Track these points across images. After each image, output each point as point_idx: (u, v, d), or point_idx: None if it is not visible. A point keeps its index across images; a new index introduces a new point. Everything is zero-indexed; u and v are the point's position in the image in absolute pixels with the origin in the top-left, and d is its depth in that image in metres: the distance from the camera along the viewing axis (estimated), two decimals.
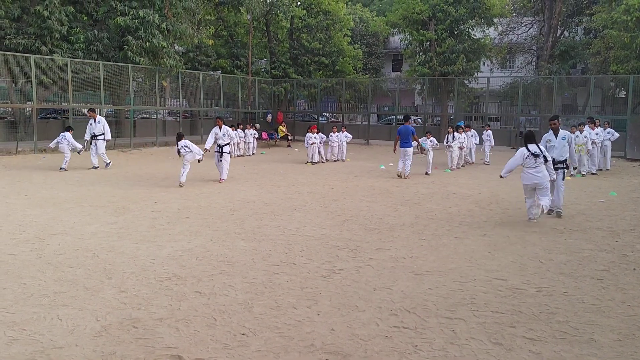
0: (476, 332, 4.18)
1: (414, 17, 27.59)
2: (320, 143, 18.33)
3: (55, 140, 14.98)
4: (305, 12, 29.90)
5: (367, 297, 4.91)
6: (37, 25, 18.95)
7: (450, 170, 16.14)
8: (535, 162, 8.21)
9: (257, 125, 23.77)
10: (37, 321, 4.28)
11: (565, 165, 9.20)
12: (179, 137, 12.18)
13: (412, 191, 11.68)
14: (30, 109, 19.76)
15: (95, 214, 8.58)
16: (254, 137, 21.35)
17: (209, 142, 12.82)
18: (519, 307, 4.70)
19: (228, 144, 13.02)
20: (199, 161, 12.46)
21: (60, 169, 14.45)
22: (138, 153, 20.03)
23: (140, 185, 11.82)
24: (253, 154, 21.08)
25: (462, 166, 17.31)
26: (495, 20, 28.72)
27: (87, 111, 15.71)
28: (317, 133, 18.26)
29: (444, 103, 29.25)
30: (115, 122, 23.68)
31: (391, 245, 6.87)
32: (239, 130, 19.59)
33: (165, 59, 21.48)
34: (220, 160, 12.83)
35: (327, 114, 35.52)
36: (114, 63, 20.68)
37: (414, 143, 14.61)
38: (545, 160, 8.27)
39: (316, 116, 31.36)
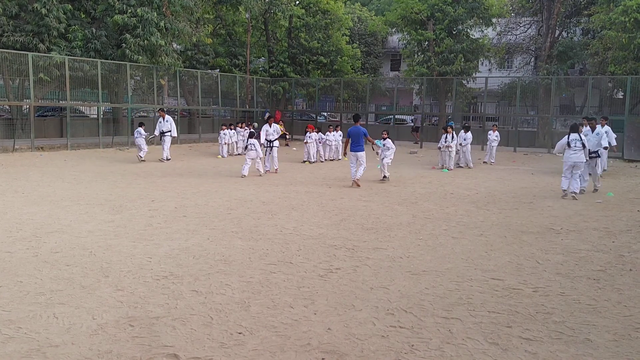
0: (473, 331, 4.18)
1: (412, 16, 27.59)
2: (320, 142, 18.41)
3: (142, 133, 16.88)
4: (303, 11, 29.90)
5: (364, 297, 4.92)
6: (35, 22, 18.91)
7: (448, 170, 16.16)
8: (575, 146, 10.77)
9: (255, 124, 23.74)
10: (34, 319, 4.27)
11: (597, 155, 12.00)
12: (252, 135, 14.05)
13: (410, 191, 11.69)
14: (27, 106, 19.73)
15: (92, 212, 8.57)
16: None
17: (262, 138, 14.80)
18: (515, 307, 4.71)
19: (277, 139, 14.92)
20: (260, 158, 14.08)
21: (141, 160, 16.50)
22: (135, 151, 19.98)
23: (137, 184, 11.81)
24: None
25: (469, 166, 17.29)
26: (494, 20, 28.72)
27: (158, 111, 18.40)
28: (318, 132, 18.45)
29: (442, 103, 29.26)
30: (112, 121, 23.68)
31: (388, 244, 6.88)
32: (230, 129, 19.57)
33: (163, 58, 21.45)
34: (270, 153, 14.61)
35: (325, 113, 35.51)
36: (112, 61, 20.65)
37: (386, 144, 13.36)
38: (584, 146, 10.79)
39: (314, 115, 31.36)
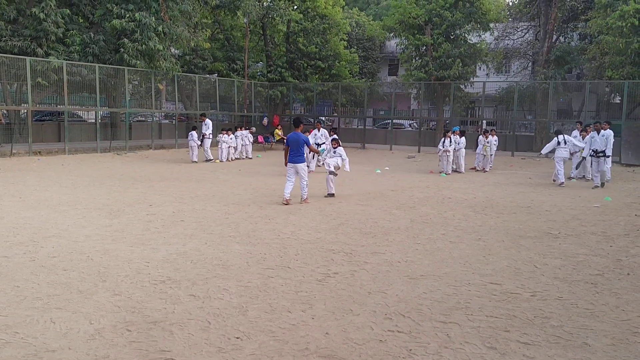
0: (470, 336, 4.18)
1: (410, 21, 27.70)
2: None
3: (207, 133, 18.90)
4: (301, 15, 29.96)
5: (362, 301, 4.91)
6: (33, 27, 18.91)
7: (446, 174, 16.17)
8: (560, 145, 14.15)
9: (253, 129, 23.78)
10: (30, 324, 4.26)
11: (604, 154, 13.53)
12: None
13: (407, 195, 11.69)
14: (25, 111, 19.71)
15: (89, 216, 8.55)
16: (250, 140, 21.36)
17: (311, 141, 14.69)
18: (513, 312, 4.71)
19: (324, 142, 16.18)
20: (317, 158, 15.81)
21: (192, 161, 18.28)
22: (133, 156, 19.99)
23: (135, 188, 11.79)
24: (249, 157, 21.10)
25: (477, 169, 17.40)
26: (491, 25, 28.84)
27: (200, 115, 20.74)
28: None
29: (439, 107, 29.33)
30: (110, 125, 23.66)
31: (386, 249, 6.87)
32: (228, 135, 19.57)
33: (161, 62, 21.47)
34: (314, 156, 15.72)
35: (323, 118, 35.54)
36: (110, 65, 20.66)
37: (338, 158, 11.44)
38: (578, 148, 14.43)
39: (312, 120, 31.38)
